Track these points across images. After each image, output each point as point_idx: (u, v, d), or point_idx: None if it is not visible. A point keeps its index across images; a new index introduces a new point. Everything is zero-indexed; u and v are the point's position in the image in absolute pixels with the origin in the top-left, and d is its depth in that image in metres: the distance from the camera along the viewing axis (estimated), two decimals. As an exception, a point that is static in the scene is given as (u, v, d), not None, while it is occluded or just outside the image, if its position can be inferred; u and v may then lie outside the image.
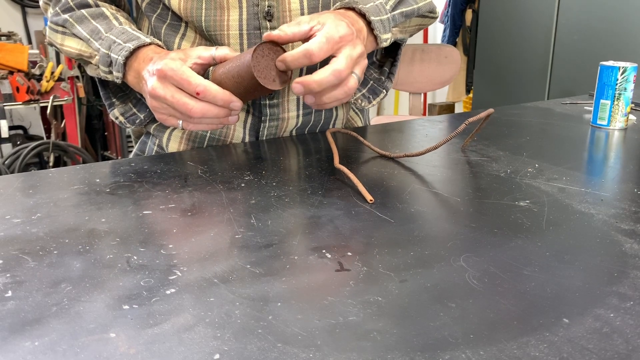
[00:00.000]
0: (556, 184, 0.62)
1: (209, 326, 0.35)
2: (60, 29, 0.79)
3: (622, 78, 0.88)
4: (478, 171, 0.67)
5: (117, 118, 0.82)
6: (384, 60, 0.89)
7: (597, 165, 0.70)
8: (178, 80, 0.64)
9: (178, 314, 0.36)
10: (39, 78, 2.66)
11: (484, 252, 0.45)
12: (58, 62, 2.89)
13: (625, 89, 0.89)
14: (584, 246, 0.46)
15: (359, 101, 0.85)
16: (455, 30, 3.02)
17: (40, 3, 0.84)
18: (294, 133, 0.88)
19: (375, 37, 0.75)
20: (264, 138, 0.84)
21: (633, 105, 1.04)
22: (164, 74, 0.64)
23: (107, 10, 0.79)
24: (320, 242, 0.47)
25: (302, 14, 0.77)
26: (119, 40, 0.72)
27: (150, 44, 0.72)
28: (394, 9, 0.79)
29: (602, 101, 0.91)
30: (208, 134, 0.84)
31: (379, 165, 0.70)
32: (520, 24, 2.54)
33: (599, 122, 0.92)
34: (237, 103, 0.65)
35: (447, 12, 3.03)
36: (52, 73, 2.66)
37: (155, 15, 0.81)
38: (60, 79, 2.72)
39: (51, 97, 2.59)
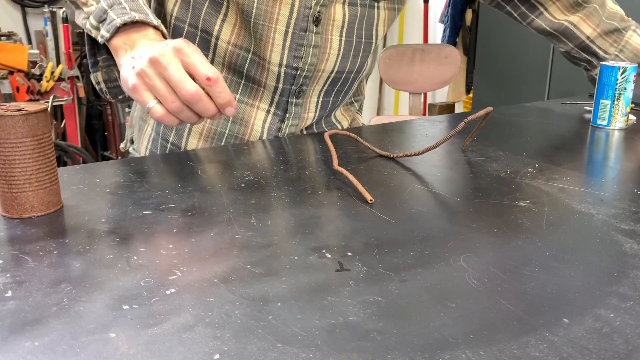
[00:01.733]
0: (556, 184, 0.62)
1: (209, 326, 0.35)
2: None
3: (622, 78, 0.88)
4: (478, 171, 0.67)
5: (98, 83, 0.75)
6: None
7: (597, 165, 0.70)
8: (194, 59, 0.58)
9: (178, 314, 0.36)
10: (39, 78, 2.66)
11: (484, 252, 0.45)
12: (58, 62, 2.89)
13: (625, 89, 0.89)
14: (584, 246, 0.46)
15: None
16: (455, 30, 3.02)
17: None
18: (304, 131, 0.90)
19: None
20: (285, 136, 0.87)
21: (633, 105, 1.04)
22: (181, 48, 0.59)
23: None
24: (320, 242, 0.47)
25: (343, 24, 0.81)
26: (125, 4, 0.66)
27: (156, 26, 0.66)
28: None
29: (602, 101, 0.91)
30: (227, 132, 0.85)
31: (379, 165, 0.70)
32: (521, 24, 2.54)
33: (599, 122, 0.92)
34: (232, 109, 0.60)
35: (447, 12, 3.03)
36: (52, 73, 2.66)
37: None
38: (60, 79, 2.72)
39: (51, 97, 2.59)
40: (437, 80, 2.56)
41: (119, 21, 0.64)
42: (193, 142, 0.85)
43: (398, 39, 3.81)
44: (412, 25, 3.72)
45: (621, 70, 0.88)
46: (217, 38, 0.79)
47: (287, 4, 0.76)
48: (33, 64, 2.67)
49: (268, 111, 0.85)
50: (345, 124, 0.98)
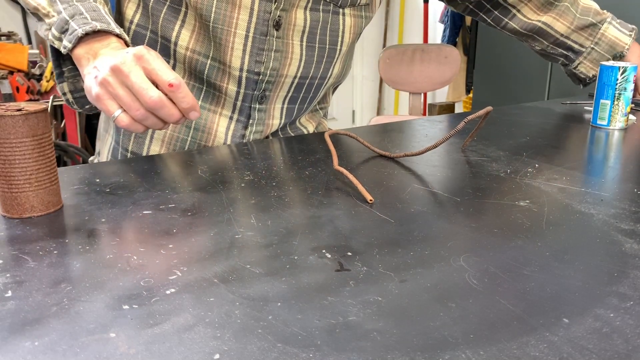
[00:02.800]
0: (556, 184, 0.62)
1: (209, 326, 0.35)
2: None
3: (622, 78, 0.88)
4: (478, 171, 0.67)
5: (64, 94, 0.75)
6: None
7: (597, 165, 0.70)
8: (155, 65, 0.58)
9: (178, 314, 0.36)
10: (38, 78, 2.66)
11: (484, 252, 0.45)
12: (58, 62, 2.89)
13: (625, 89, 0.89)
14: (584, 246, 0.46)
15: None
16: (455, 30, 3.02)
17: None
18: (270, 137, 0.89)
19: None
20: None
21: (633, 105, 1.04)
22: (142, 55, 0.58)
23: None
24: (320, 242, 0.47)
25: (304, 29, 0.81)
26: (86, 14, 0.66)
27: (118, 35, 0.65)
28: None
29: (602, 101, 0.91)
30: (189, 138, 0.83)
31: (379, 165, 0.70)
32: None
33: (599, 122, 0.92)
34: (196, 113, 0.60)
35: (447, 12, 3.03)
36: (52, 73, 2.66)
37: None
38: (60, 79, 2.72)
39: (51, 97, 2.59)
40: (437, 80, 2.56)
41: (80, 31, 0.63)
42: (155, 150, 0.84)
43: (398, 39, 3.81)
44: (412, 25, 3.72)
45: (621, 70, 0.88)
46: (176, 44, 0.78)
47: (247, 8, 0.75)
48: (33, 64, 2.67)
49: (231, 118, 0.83)
50: (311, 129, 0.97)
